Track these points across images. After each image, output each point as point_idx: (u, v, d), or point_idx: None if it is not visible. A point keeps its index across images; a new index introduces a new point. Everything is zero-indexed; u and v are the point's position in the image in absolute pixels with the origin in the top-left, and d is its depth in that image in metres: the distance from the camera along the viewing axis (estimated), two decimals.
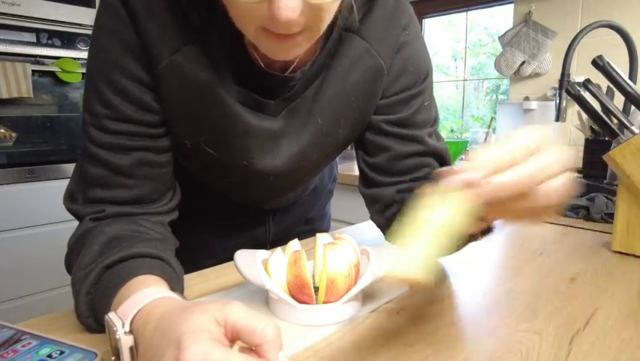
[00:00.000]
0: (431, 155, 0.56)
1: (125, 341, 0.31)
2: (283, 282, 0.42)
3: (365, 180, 0.59)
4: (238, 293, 0.48)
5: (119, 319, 0.32)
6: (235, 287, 0.50)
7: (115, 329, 0.31)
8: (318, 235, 0.46)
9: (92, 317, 0.39)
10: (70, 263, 0.45)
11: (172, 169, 0.52)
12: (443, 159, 0.58)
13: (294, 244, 0.46)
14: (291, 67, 0.48)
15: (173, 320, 0.28)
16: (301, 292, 0.41)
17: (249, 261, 0.43)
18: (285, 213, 0.72)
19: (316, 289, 0.42)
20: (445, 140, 1.93)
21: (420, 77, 0.55)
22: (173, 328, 0.27)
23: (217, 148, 0.51)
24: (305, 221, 0.77)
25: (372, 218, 0.61)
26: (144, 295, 0.33)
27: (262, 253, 0.45)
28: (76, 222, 0.47)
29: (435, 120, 0.58)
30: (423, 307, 0.45)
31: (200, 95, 0.46)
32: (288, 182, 0.60)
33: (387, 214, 0.57)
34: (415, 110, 0.55)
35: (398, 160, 0.55)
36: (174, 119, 0.48)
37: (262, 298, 0.46)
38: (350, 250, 0.42)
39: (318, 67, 0.50)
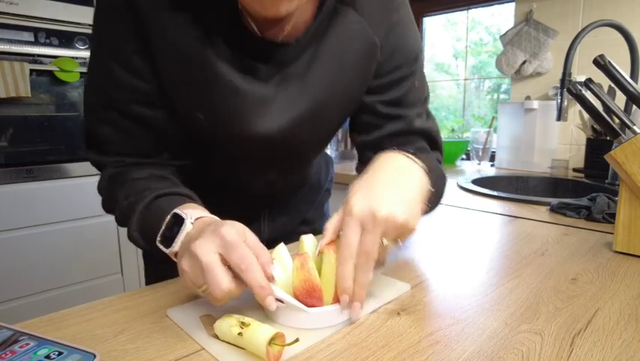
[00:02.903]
0: (418, 134, 0.59)
1: (189, 227, 0.41)
2: (286, 285, 0.42)
3: (360, 159, 0.63)
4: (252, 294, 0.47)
5: (186, 214, 0.42)
6: None
7: (185, 217, 0.41)
8: (303, 237, 0.46)
9: (138, 231, 0.48)
10: (107, 202, 0.54)
11: (175, 133, 0.55)
12: (431, 138, 0.61)
13: (282, 248, 0.46)
14: (285, 34, 0.48)
15: (218, 221, 0.40)
16: (310, 296, 0.40)
17: None
18: (279, 211, 0.71)
19: None
20: (446, 140, 1.92)
21: (412, 57, 0.56)
22: (217, 223, 0.39)
23: (209, 113, 0.52)
24: (303, 221, 0.76)
25: None
26: (201, 211, 0.44)
27: None
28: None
29: (425, 99, 0.61)
30: (423, 308, 0.45)
31: (192, 59, 0.48)
32: (284, 154, 0.59)
33: None
34: (407, 90, 0.57)
35: (388, 138, 0.58)
36: (169, 86, 0.50)
37: (255, 302, 0.45)
38: None
39: (311, 36, 0.50)
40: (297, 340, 0.36)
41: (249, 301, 0.45)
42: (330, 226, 0.44)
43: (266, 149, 0.55)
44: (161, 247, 0.43)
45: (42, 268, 1.55)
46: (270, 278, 0.38)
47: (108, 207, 0.54)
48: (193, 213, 0.42)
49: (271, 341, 0.34)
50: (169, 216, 0.43)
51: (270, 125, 0.52)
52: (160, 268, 0.55)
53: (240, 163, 0.60)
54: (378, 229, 0.40)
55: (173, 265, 0.46)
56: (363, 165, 0.59)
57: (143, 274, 0.74)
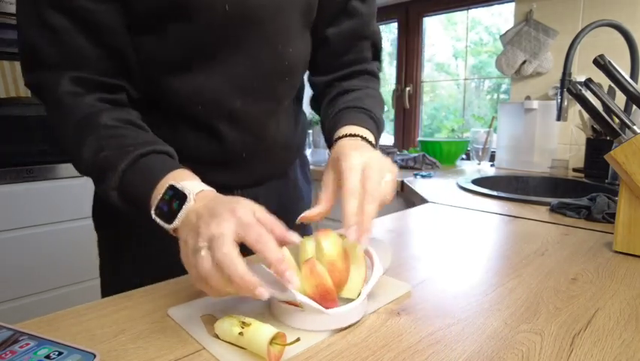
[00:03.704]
0: (369, 39, 0.67)
1: (191, 204, 0.40)
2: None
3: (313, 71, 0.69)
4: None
5: (187, 189, 0.41)
6: None
7: (187, 194, 0.40)
8: (304, 239, 0.45)
9: (117, 190, 0.45)
10: (68, 143, 0.48)
11: (123, 39, 0.51)
12: (376, 45, 0.69)
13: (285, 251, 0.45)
14: None
15: (226, 198, 0.40)
16: (325, 300, 0.40)
17: (259, 274, 0.42)
18: (257, 196, 0.66)
19: None
20: (446, 140, 1.91)
21: None
22: (228, 200, 0.39)
23: None
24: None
25: (310, 103, 0.72)
26: (198, 184, 0.43)
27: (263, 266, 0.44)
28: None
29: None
30: (423, 308, 0.45)
31: None
32: (250, 36, 0.54)
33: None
34: None
35: (342, 41, 0.64)
36: None
37: (263, 303, 0.45)
38: (336, 236, 0.43)
39: None
40: (298, 339, 0.36)
41: (250, 302, 0.45)
42: (329, 180, 0.46)
43: (231, 21, 0.51)
44: (158, 220, 0.42)
45: (42, 268, 1.55)
46: (291, 243, 0.40)
47: (66, 148, 0.49)
48: (192, 188, 0.41)
49: (272, 341, 0.34)
50: (165, 188, 0.42)
51: None
52: (117, 282, 0.54)
53: (201, 50, 0.53)
54: (379, 169, 0.45)
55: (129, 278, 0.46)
56: (318, 98, 0.68)
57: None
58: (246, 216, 0.37)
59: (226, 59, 0.54)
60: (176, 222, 0.40)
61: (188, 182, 0.43)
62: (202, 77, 0.54)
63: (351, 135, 0.54)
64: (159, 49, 0.52)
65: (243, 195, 0.64)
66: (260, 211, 0.39)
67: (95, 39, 0.49)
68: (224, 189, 0.63)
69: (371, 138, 0.56)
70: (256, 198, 0.65)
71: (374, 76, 0.69)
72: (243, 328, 0.36)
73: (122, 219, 0.62)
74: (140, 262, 0.54)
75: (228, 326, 0.37)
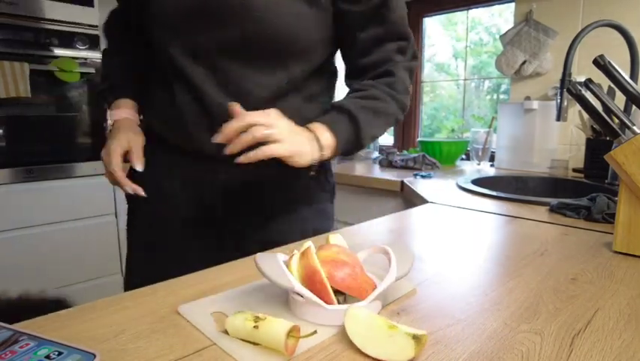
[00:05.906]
0: (394, 39, 0.69)
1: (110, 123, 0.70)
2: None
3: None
4: (260, 292, 0.47)
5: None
6: (253, 283, 0.49)
7: (108, 120, 0.61)
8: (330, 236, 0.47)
9: (106, 82, 0.76)
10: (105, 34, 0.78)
11: None
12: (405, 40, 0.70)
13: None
14: None
15: (115, 131, 0.69)
16: (312, 281, 0.40)
17: (271, 263, 0.42)
18: (242, 200, 0.66)
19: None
20: (446, 140, 1.91)
21: None
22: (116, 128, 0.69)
23: None
24: (273, 240, 0.65)
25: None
26: (119, 113, 0.71)
27: (281, 256, 0.45)
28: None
29: None
30: (423, 308, 0.45)
31: None
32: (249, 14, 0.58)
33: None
34: None
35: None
36: None
37: (282, 299, 0.45)
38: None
39: None
40: (315, 332, 0.36)
41: (261, 300, 0.45)
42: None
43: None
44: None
45: (42, 268, 1.55)
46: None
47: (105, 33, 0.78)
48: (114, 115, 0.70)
49: (288, 334, 0.35)
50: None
51: None
52: (142, 271, 0.57)
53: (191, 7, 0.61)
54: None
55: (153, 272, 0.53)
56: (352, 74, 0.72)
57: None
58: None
59: (211, 19, 0.59)
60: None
61: (115, 111, 0.70)
62: (191, 34, 0.61)
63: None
64: (158, 6, 0.61)
65: (230, 169, 0.63)
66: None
67: None
68: (210, 159, 0.64)
69: (328, 140, 0.60)
70: (245, 173, 0.66)
71: (395, 73, 0.68)
72: (257, 322, 0.36)
73: (153, 219, 0.73)
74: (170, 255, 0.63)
75: (241, 321, 0.37)
